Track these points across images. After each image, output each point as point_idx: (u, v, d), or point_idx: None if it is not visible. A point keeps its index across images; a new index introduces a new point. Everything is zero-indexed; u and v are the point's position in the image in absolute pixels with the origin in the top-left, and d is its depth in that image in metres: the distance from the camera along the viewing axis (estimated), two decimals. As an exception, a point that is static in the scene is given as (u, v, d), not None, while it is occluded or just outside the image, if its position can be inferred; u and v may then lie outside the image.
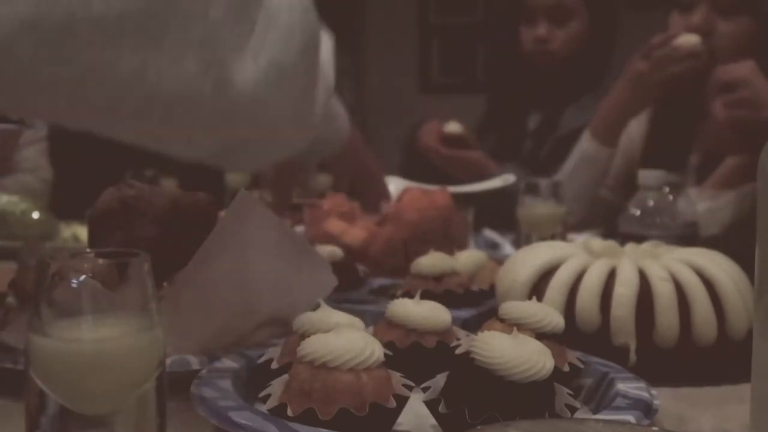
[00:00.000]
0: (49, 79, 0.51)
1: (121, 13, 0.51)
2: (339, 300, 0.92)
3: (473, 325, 0.80)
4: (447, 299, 0.85)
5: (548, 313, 0.69)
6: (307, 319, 0.67)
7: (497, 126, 2.03)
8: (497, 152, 1.94)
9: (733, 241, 1.22)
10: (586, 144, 1.66)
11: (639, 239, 1.02)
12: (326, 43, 0.80)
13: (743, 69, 1.45)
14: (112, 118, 0.57)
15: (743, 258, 0.85)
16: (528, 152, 1.96)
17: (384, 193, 1.10)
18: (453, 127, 1.90)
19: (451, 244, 1.20)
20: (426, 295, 0.77)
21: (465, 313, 0.91)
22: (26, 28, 0.48)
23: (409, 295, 0.79)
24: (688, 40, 1.51)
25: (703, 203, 1.37)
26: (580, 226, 1.58)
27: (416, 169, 1.56)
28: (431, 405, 0.60)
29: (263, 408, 0.60)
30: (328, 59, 0.80)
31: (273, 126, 0.67)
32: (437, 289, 0.94)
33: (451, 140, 1.87)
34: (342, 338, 0.59)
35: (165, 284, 0.78)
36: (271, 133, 0.67)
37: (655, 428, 0.52)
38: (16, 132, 0.88)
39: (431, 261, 0.98)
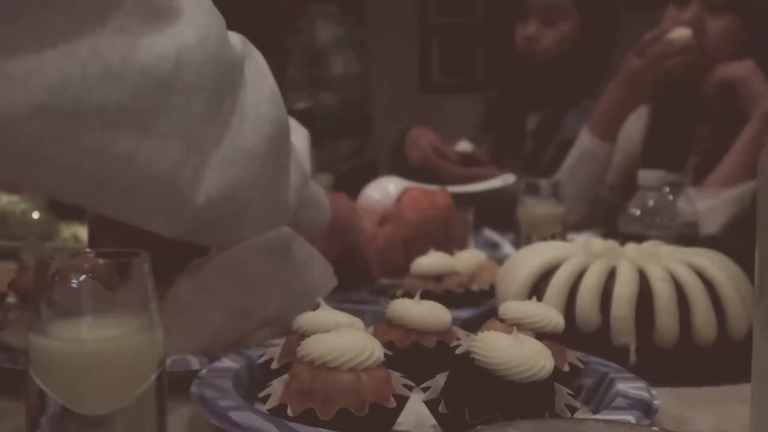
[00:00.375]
0: (51, 156, 0.58)
1: (118, 103, 0.58)
2: (339, 300, 0.92)
3: (473, 325, 0.80)
4: (447, 299, 0.85)
5: (548, 313, 0.69)
6: (307, 319, 0.67)
7: (496, 126, 2.04)
8: (497, 152, 1.95)
9: (733, 241, 1.22)
10: (585, 141, 1.67)
11: (639, 239, 1.02)
12: (301, 136, 0.88)
13: (742, 67, 1.46)
14: (103, 195, 0.64)
15: (743, 258, 0.85)
16: (529, 154, 1.96)
17: (369, 277, 1.10)
18: (464, 146, 1.92)
19: (451, 244, 1.20)
20: (426, 295, 0.77)
21: (465, 313, 0.91)
22: (38, 111, 0.55)
23: (409, 295, 0.79)
24: (680, 33, 1.52)
25: (702, 202, 1.36)
26: (580, 226, 1.58)
27: (404, 174, 1.56)
28: (431, 405, 0.60)
29: (263, 408, 0.60)
30: (304, 149, 0.89)
31: (243, 207, 0.73)
32: (437, 289, 0.94)
33: (464, 158, 1.88)
34: (342, 338, 0.59)
35: (165, 284, 0.78)
36: (241, 214, 0.74)
37: (655, 428, 0.52)
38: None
39: (431, 261, 0.98)
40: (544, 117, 1.97)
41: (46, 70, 0.55)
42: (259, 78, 0.74)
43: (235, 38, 0.71)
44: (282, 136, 0.76)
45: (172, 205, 0.67)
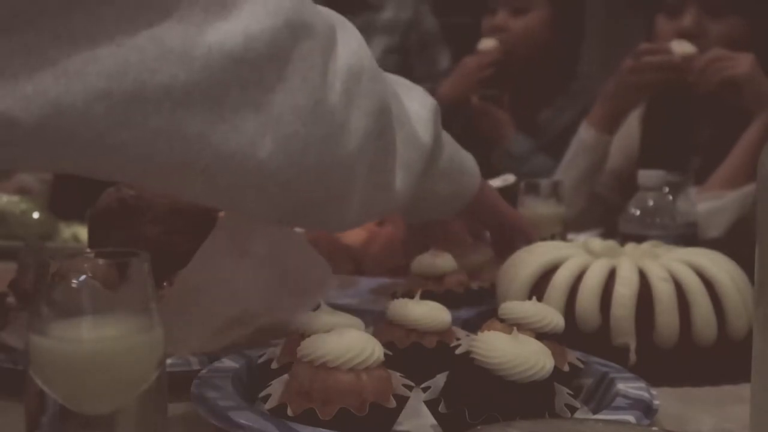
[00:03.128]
0: (121, 142, 0.55)
1: (186, 83, 0.56)
2: (339, 300, 0.92)
3: (473, 325, 0.80)
4: (447, 299, 0.85)
5: (548, 313, 0.69)
6: (307, 319, 0.67)
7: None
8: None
9: (735, 242, 1.22)
10: (583, 132, 1.67)
11: (639, 239, 1.02)
12: (423, 105, 0.82)
13: (746, 65, 1.45)
14: (186, 178, 0.61)
15: (745, 259, 0.85)
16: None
17: (525, 239, 1.04)
18: (488, 43, 1.91)
19: (451, 244, 1.20)
20: (426, 295, 0.77)
21: (465, 313, 0.91)
22: (100, 97, 0.53)
23: (410, 294, 0.79)
24: (684, 47, 1.51)
25: (704, 204, 1.36)
26: (580, 226, 1.58)
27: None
28: (431, 405, 0.60)
29: (263, 408, 0.60)
30: (426, 120, 0.82)
31: (341, 186, 0.69)
32: (438, 288, 0.94)
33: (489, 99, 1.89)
34: (342, 338, 0.59)
35: (165, 284, 0.78)
36: (337, 194, 0.70)
37: (655, 428, 0.52)
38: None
39: (431, 261, 0.98)
40: (518, 117, 1.95)
41: (102, 59, 0.53)
42: (355, 48, 0.69)
43: (323, 8, 0.68)
44: (383, 112, 0.71)
45: (257, 182, 0.64)
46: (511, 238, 1.03)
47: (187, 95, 0.56)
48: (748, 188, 1.41)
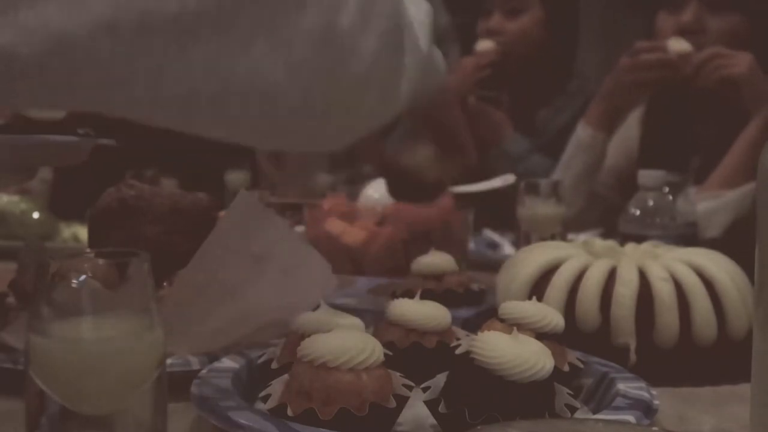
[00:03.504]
0: (127, 74, 0.53)
1: (196, 11, 0.54)
2: (339, 300, 0.92)
3: (473, 325, 0.80)
4: (447, 299, 0.85)
5: (548, 313, 0.69)
6: (307, 319, 0.67)
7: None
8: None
9: (734, 242, 1.22)
10: (580, 131, 1.67)
11: (639, 239, 1.02)
12: (421, 9, 0.78)
13: (744, 64, 1.45)
14: (191, 110, 0.58)
15: (744, 258, 0.85)
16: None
17: (467, 149, 1.02)
18: (486, 44, 1.91)
19: (451, 244, 1.20)
20: (426, 295, 0.77)
21: (465, 313, 0.91)
22: (103, 28, 0.51)
23: (410, 294, 0.79)
24: (680, 45, 1.51)
25: (702, 204, 1.36)
26: (580, 226, 1.58)
27: (396, 188, 1.55)
28: (431, 405, 0.60)
29: (263, 408, 0.60)
30: (424, 25, 0.78)
31: (351, 111, 0.67)
32: (438, 288, 0.94)
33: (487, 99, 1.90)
34: (342, 338, 0.59)
35: (165, 284, 0.78)
36: (355, 106, 0.67)
37: (655, 428, 0.52)
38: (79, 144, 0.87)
39: (431, 260, 0.98)
40: (516, 119, 1.95)
41: None
42: None
43: None
44: (398, 30, 0.69)
45: (266, 111, 0.61)
46: (451, 142, 0.99)
47: (196, 22, 0.54)
48: (747, 188, 1.41)
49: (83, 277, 0.51)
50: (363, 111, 0.69)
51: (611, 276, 0.83)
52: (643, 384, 0.67)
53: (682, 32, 1.54)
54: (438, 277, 0.96)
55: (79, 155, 0.87)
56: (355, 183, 1.59)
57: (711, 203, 1.38)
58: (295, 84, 0.61)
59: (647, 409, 0.62)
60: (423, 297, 0.74)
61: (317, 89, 0.62)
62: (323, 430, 0.55)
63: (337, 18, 0.62)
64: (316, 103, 0.63)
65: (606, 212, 1.61)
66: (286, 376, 0.61)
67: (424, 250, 1.01)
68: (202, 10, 0.54)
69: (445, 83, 0.90)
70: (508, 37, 1.89)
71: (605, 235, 1.28)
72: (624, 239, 1.11)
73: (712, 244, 1.11)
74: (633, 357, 0.78)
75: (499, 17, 1.90)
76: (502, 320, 0.69)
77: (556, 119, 1.87)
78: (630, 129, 1.72)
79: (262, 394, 0.62)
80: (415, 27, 0.76)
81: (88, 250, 0.81)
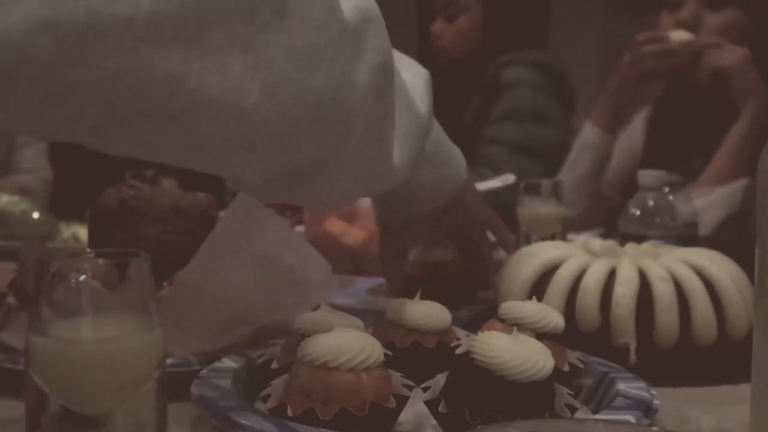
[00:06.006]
0: (75, 81, 0.47)
1: (150, 14, 0.48)
2: (339, 300, 0.92)
3: (473, 325, 0.80)
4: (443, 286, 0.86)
5: (548, 313, 0.69)
6: (307, 319, 0.67)
7: None
8: None
9: (727, 240, 1.22)
10: (586, 132, 1.67)
11: (639, 239, 1.02)
12: (419, 76, 0.76)
13: (736, 57, 1.46)
14: (156, 130, 0.52)
15: (736, 255, 0.85)
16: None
17: (503, 243, 0.95)
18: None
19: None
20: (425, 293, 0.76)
21: (465, 313, 0.91)
22: (42, 27, 0.45)
23: (414, 278, 0.78)
24: (680, 35, 1.53)
25: (695, 201, 1.36)
26: (580, 225, 1.58)
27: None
28: (431, 405, 0.60)
29: (263, 408, 0.60)
30: (423, 93, 0.74)
31: (338, 149, 0.61)
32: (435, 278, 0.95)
33: None
34: (342, 338, 0.59)
35: (165, 284, 0.78)
36: (336, 158, 0.61)
37: (655, 428, 0.52)
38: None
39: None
40: (466, 124, 1.94)
41: None
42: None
43: None
44: (387, 69, 0.63)
45: (241, 136, 0.55)
46: (482, 240, 0.94)
47: (154, 29, 0.48)
48: (737, 184, 1.41)
49: (83, 277, 0.51)
50: (352, 156, 0.63)
51: (611, 276, 0.82)
52: (643, 384, 0.67)
53: (681, 28, 1.55)
54: (436, 265, 0.97)
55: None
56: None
57: (703, 200, 1.38)
58: (275, 108, 0.55)
59: (647, 409, 0.62)
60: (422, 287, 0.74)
61: (301, 116, 0.57)
62: (323, 430, 0.55)
63: (327, 39, 0.57)
64: (302, 133, 0.58)
65: (607, 212, 1.61)
66: (286, 376, 0.61)
67: (424, 250, 1.01)
68: (160, 12, 0.48)
69: (466, 182, 0.85)
70: (447, 41, 1.91)
71: (605, 235, 1.28)
72: (624, 239, 1.11)
73: (707, 241, 1.11)
74: (633, 357, 0.78)
75: (440, 21, 1.93)
76: (502, 320, 0.69)
77: (467, 116, 1.89)
78: (635, 130, 1.73)
79: (262, 394, 0.62)
80: (410, 89, 0.72)
81: (88, 250, 0.81)
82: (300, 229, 1.27)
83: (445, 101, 1.95)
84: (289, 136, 0.57)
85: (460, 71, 1.94)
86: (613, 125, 1.65)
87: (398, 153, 0.70)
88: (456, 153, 0.87)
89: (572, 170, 1.65)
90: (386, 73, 0.63)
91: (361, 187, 0.68)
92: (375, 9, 0.63)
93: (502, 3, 1.92)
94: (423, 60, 0.83)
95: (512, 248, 0.96)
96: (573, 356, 0.70)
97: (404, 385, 0.61)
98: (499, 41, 1.90)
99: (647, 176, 1.24)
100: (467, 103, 1.93)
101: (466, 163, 0.90)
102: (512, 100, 1.82)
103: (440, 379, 0.62)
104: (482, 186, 1.59)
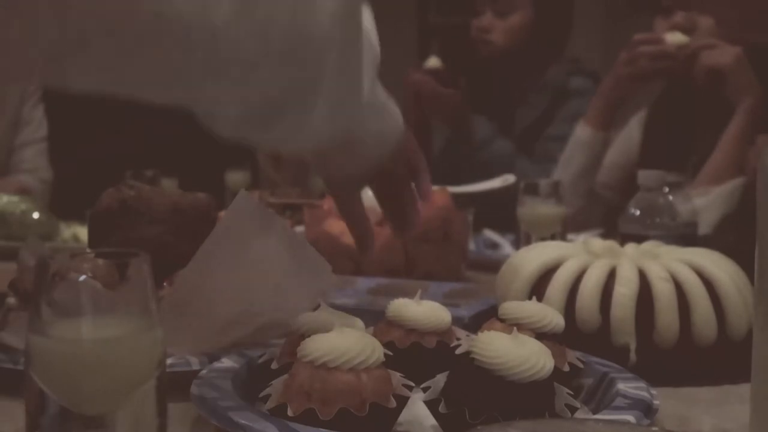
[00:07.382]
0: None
1: None
2: (339, 300, 0.92)
3: (473, 325, 0.80)
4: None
5: (548, 313, 0.69)
6: (307, 319, 0.67)
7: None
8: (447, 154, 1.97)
9: (725, 239, 1.22)
10: (579, 130, 1.69)
11: (639, 239, 1.02)
12: (369, 21, 0.71)
13: (730, 56, 1.46)
14: (117, 50, 0.49)
15: (735, 255, 0.85)
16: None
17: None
18: (433, 62, 1.95)
19: (451, 244, 1.20)
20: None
21: (465, 313, 0.91)
22: None
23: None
24: (676, 37, 1.53)
25: (694, 200, 1.37)
26: (580, 226, 1.58)
27: None
28: (431, 405, 0.60)
29: (263, 408, 0.60)
30: (371, 23, 0.71)
31: (312, 75, 0.58)
32: None
33: (435, 76, 1.92)
34: (342, 338, 0.59)
35: (165, 284, 0.78)
36: (311, 86, 0.59)
37: (655, 428, 0.52)
38: None
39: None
40: (496, 120, 1.98)
41: None
42: None
43: None
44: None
45: (212, 57, 0.52)
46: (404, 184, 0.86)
47: None
48: (734, 183, 1.41)
49: (83, 277, 0.51)
50: (326, 84, 0.60)
51: (611, 276, 0.82)
52: (643, 384, 0.67)
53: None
54: None
55: None
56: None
57: (699, 200, 1.39)
58: (246, 27, 0.52)
59: (647, 409, 0.62)
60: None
61: (272, 37, 0.54)
62: (323, 430, 0.55)
63: None
64: (274, 55, 0.55)
65: (606, 212, 1.61)
66: (286, 376, 0.61)
67: (424, 250, 1.01)
68: None
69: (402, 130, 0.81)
70: (498, 36, 1.93)
71: (605, 235, 1.28)
72: (624, 239, 1.11)
73: (705, 241, 1.11)
74: (633, 357, 0.78)
75: (489, 16, 1.95)
76: (502, 320, 0.69)
77: (531, 115, 1.93)
78: (632, 130, 1.73)
79: (262, 394, 0.62)
80: (370, 32, 0.69)
81: (88, 250, 0.81)
82: (300, 229, 1.27)
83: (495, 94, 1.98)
84: (263, 56, 0.54)
85: (503, 65, 1.98)
86: (605, 123, 1.66)
87: (366, 84, 0.67)
88: (392, 103, 0.82)
89: (566, 169, 1.67)
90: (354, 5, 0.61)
91: (336, 123, 0.65)
92: None
93: (552, 5, 1.96)
94: (421, 51, 0.81)
95: (429, 196, 0.90)
96: (573, 356, 0.70)
97: (404, 385, 0.61)
98: (543, 41, 1.94)
99: (647, 176, 1.24)
100: (521, 101, 1.98)
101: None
102: (580, 105, 1.86)
103: (440, 379, 0.62)
104: (482, 186, 1.59)
